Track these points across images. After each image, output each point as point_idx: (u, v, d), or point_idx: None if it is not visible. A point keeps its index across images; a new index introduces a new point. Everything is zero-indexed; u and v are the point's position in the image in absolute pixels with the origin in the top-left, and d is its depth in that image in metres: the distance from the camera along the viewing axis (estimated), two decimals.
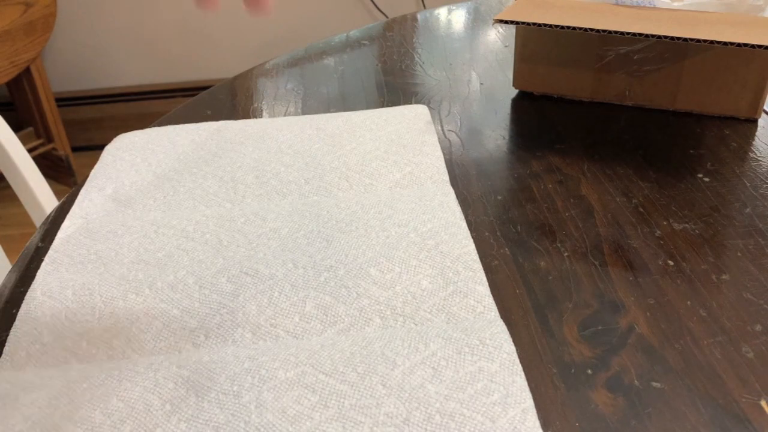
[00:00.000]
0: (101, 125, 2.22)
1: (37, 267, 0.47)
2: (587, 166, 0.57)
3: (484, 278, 0.44)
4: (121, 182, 0.56)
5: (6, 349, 0.40)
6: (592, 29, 0.58)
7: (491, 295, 0.42)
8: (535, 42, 0.67)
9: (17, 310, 0.43)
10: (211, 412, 0.35)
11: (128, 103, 2.26)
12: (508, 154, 0.59)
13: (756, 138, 0.60)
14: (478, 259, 0.45)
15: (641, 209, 0.51)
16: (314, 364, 0.37)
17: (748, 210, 0.50)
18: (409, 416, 0.34)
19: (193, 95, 0.75)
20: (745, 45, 0.54)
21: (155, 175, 0.57)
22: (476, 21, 0.92)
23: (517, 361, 0.37)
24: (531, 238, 0.48)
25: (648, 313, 0.41)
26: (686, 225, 0.49)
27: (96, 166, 0.59)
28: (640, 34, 0.57)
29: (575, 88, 0.68)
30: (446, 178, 0.55)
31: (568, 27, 0.59)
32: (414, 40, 0.87)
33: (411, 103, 0.68)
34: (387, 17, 2.08)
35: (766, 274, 0.44)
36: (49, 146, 1.96)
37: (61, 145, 1.98)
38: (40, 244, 0.51)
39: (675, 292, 0.43)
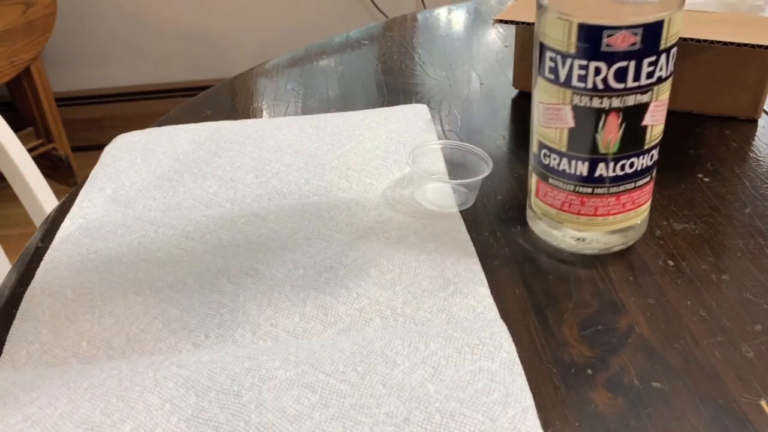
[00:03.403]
0: (101, 125, 2.22)
1: (37, 267, 0.47)
2: None
3: (485, 279, 0.44)
4: (120, 182, 0.56)
5: (6, 348, 0.40)
6: None
7: (491, 296, 0.42)
8: None
9: (17, 310, 0.43)
10: (211, 411, 0.35)
11: (128, 103, 2.26)
12: (508, 154, 0.59)
13: (756, 138, 0.60)
14: (478, 261, 0.45)
15: None
16: (314, 364, 0.37)
17: (748, 210, 0.50)
18: (409, 415, 0.34)
19: (193, 95, 0.75)
20: (745, 45, 0.54)
21: (155, 175, 0.57)
22: (476, 21, 0.92)
23: (518, 360, 0.37)
24: (531, 238, 0.48)
25: (648, 313, 0.41)
26: (686, 225, 0.49)
27: (96, 167, 0.59)
28: None
29: None
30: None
31: None
32: (414, 40, 0.87)
33: (411, 103, 0.68)
34: (387, 17, 2.08)
35: (766, 274, 0.44)
36: (49, 146, 1.96)
37: (61, 145, 1.98)
38: (40, 244, 0.51)
39: (675, 292, 0.43)
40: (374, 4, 2.17)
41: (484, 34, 0.88)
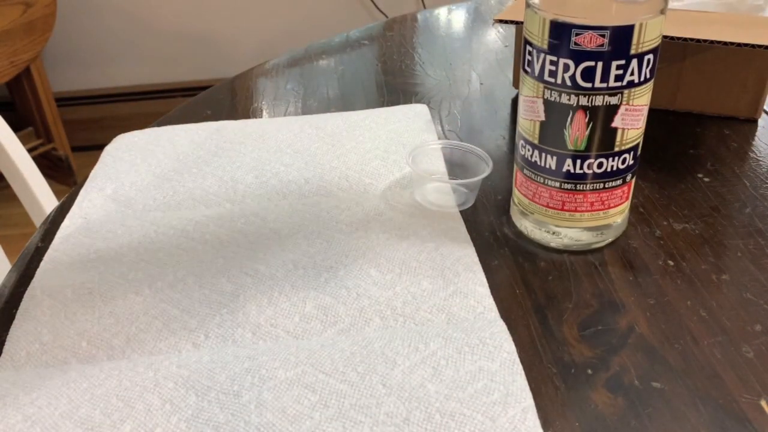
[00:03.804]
0: (101, 125, 2.22)
1: (37, 267, 0.47)
2: None
3: (484, 279, 0.44)
4: (120, 182, 0.56)
5: (6, 348, 0.40)
6: None
7: (491, 296, 0.42)
8: None
9: (17, 310, 0.43)
10: (211, 411, 0.35)
11: (128, 103, 2.26)
12: (508, 154, 0.59)
13: (756, 138, 0.60)
14: (477, 261, 0.45)
15: (641, 209, 0.51)
16: (314, 364, 0.37)
17: (748, 210, 0.50)
18: (409, 416, 0.34)
19: (193, 95, 0.75)
20: (745, 45, 0.54)
21: (155, 175, 0.57)
22: (476, 21, 0.92)
23: (518, 360, 0.37)
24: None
25: (648, 313, 0.41)
26: (686, 225, 0.49)
27: (96, 167, 0.59)
28: None
29: None
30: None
31: None
32: (414, 40, 0.87)
33: (411, 103, 0.68)
34: (387, 17, 2.08)
35: (766, 274, 0.44)
36: (49, 146, 1.97)
37: (61, 145, 1.98)
38: (40, 244, 0.51)
39: (675, 292, 0.43)
40: (374, 4, 2.17)
41: (484, 34, 0.88)
